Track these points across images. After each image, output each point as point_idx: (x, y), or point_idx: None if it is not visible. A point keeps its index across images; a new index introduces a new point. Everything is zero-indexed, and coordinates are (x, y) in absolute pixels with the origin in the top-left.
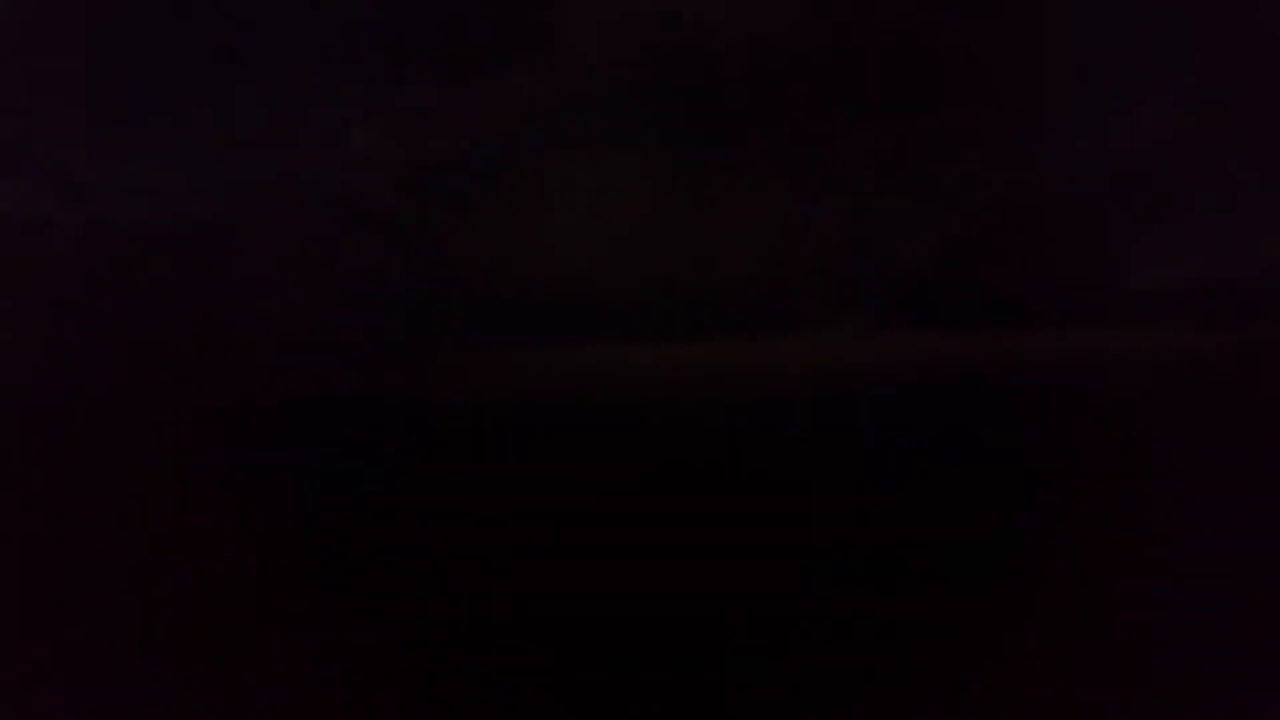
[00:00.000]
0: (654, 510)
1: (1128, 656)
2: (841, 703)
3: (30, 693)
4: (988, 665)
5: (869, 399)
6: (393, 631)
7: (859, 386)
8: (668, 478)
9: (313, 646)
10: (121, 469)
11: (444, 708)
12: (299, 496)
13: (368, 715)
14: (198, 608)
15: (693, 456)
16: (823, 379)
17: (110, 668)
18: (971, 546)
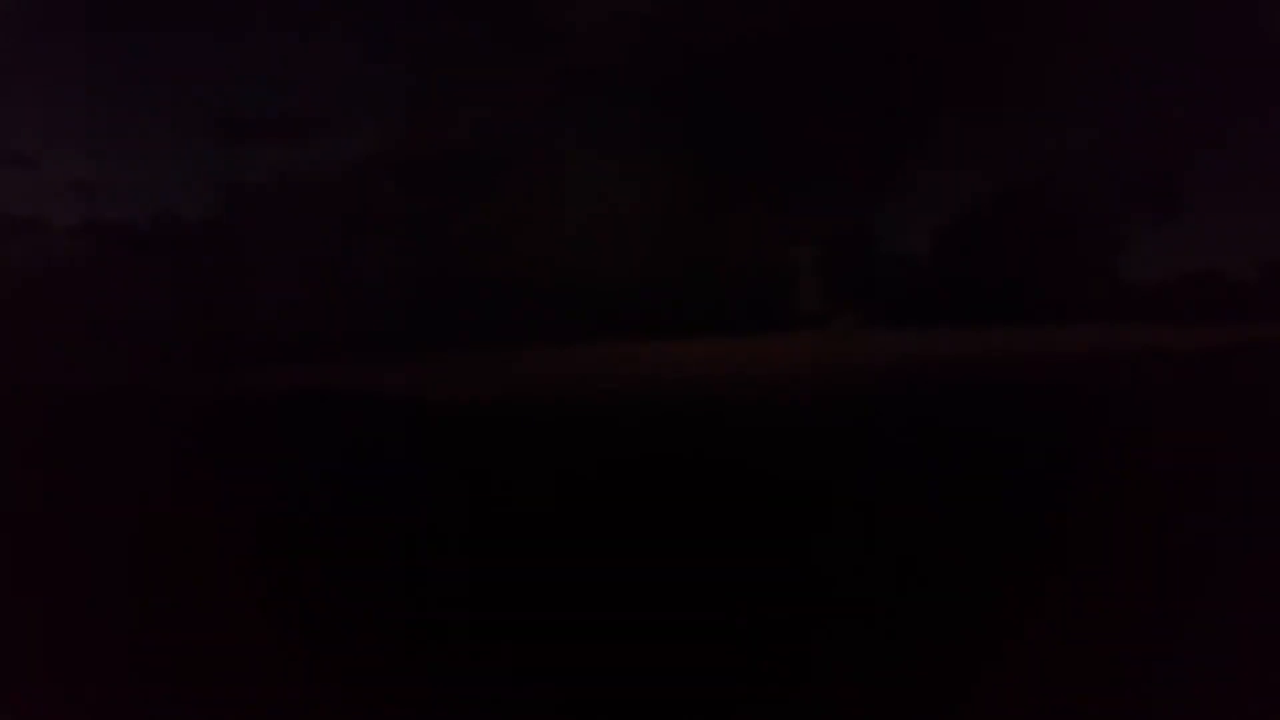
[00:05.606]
0: (652, 507)
1: (1127, 657)
2: (836, 705)
3: (29, 693)
4: (985, 667)
5: (866, 395)
6: (394, 631)
7: (856, 382)
8: (666, 474)
9: (313, 645)
10: (122, 468)
11: (443, 708)
12: (301, 496)
13: (368, 715)
14: (195, 607)
15: (690, 453)
16: (820, 375)
17: (110, 667)
18: (971, 544)
